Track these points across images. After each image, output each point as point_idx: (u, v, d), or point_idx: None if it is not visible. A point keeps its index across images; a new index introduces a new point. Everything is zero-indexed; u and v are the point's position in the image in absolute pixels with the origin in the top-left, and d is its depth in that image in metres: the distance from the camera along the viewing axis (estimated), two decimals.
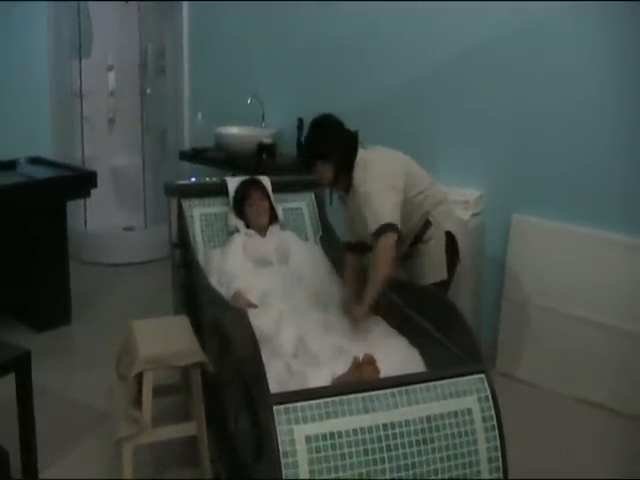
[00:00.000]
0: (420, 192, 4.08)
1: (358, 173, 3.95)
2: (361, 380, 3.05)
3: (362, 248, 4.19)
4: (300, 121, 6.09)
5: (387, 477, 2.65)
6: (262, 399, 2.73)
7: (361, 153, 4.02)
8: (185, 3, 7.45)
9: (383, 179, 3.89)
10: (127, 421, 3.65)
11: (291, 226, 4.86)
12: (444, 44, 5.37)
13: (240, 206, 4.73)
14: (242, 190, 4.77)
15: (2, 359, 3.69)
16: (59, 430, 4.29)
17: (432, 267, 4.14)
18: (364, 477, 2.62)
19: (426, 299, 3.53)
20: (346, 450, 2.63)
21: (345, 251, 4.35)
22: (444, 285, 4.18)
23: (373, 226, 3.80)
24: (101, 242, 7.34)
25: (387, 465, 2.66)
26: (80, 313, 5.90)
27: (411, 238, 4.14)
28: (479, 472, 2.77)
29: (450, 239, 4.16)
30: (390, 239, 3.77)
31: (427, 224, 4.11)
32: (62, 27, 7.10)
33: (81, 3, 7.18)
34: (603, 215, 4.72)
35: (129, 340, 3.82)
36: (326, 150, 3.99)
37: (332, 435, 2.63)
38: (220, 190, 4.86)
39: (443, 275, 4.15)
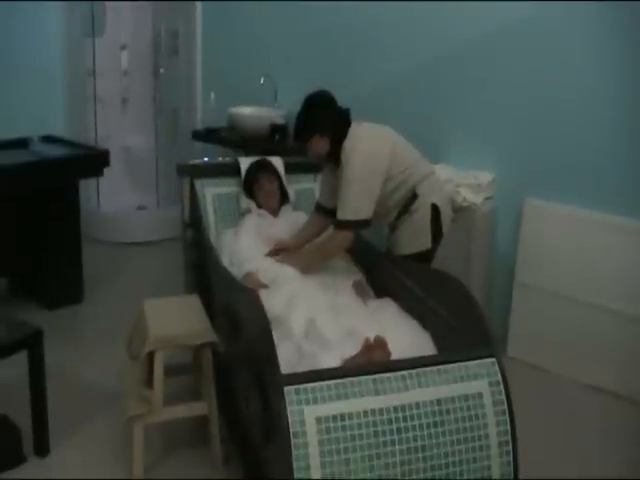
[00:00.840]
0: (406, 168, 4.17)
1: (347, 149, 4.05)
2: (372, 362, 3.06)
3: (331, 214, 4.29)
4: None
5: (397, 459, 2.66)
6: (273, 380, 2.74)
7: (352, 128, 4.13)
8: None
9: (367, 163, 4.01)
10: (138, 400, 3.67)
11: (303, 207, 4.86)
12: (458, 29, 5.35)
13: (250, 188, 4.75)
14: (251, 172, 4.80)
15: (14, 337, 3.71)
16: (70, 408, 4.31)
17: (416, 236, 4.24)
18: (374, 459, 2.63)
19: (438, 282, 3.53)
20: (356, 432, 2.64)
21: (316, 209, 4.50)
22: (428, 254, 4.28)
23: (340, 214, 4.05)
24: (114, 221, 7.35)
25: (397, 447, 2.66)
26: (92, 292, 5.92)
27: (396, 211, 4.24)
28: (489, 456, 2.78)
29: (435, 211, 4.23)
30: (348, 236, 4.11)
31: (414, 196, 4.20)
32: (76, 6, 7.08)
33: None
34: (616, 200, 4.70)
35: (140, 319, 3.83)
36: (324, 125, 4.10)
37: (342, 416, 2.64)
38: (232, 170, 4.88)
39: (427, 244, 4.24)
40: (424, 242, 4.24)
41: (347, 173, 3.99)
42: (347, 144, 4.06)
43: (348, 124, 4.14)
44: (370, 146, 4.06)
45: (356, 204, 4.00)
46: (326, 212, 4.40)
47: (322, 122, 4.11)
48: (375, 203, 4.04)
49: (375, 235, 4.64)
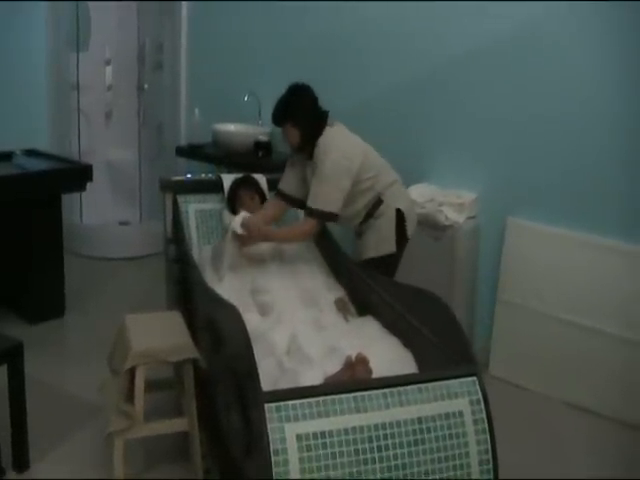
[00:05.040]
0: (374, 174, 4.36)
1: (321, 146, 4.23)
2: (353, 379, 3.06)
3: (292, 202, 4.59)
4: None
5: (377, 477, 2.65)
6: (254, 397, 2.73)
7: (328, 130, 4.29)
8: None
9: (340, 162, 4.19)
10: (119, 415, 3.66)
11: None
12: (442, 45, 5.38)
13: (232, 204, 4.76)
14: (233, 189, 4.82)
15: None
16: (51, 422, 4.29)
17: (381, 240, 4.41)
18: (354, 477, 2.63)
19: (420, 301, 3.53)
20: (337, 449, 2.63)
21: (276, 194, 4.64)
22: (393, 258, 4.45)
23: (311, 202, 4.22)
24: (96, 236, 7.32)
25: (378, 465, 2.66)
26: (74, 306, 5.90)
27: (362, 216, 4.42)
28: (470, 474, 2.78)
29: (400, 216, 4.40)
30: (314, 225, 4.29)
31: (378, 202, 4.38)
32: (60, 20, 7.10)
33: None
34: (598, 220, 4.73)
35: (122, 334, 3.82)
36: (297, 116, 4.28)
37: (323, 434, 2.63)
38: (215, 187, 4.89)
39: (392, 248, 4.42)
40: (389, 246, 4.41)
41: (321, 169, 4.17)
42: (322, 141, 4.24)
43: (323, 124, 4.30)
44: (344, 147, 4.25)
45: (327, 197, 4.18)
46: (286, 198, 4.58)
47: (297, 113, 4.29)
48: (343, 201, 4.22)
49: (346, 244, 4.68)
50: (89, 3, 7.32)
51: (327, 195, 4.18)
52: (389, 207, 4.39)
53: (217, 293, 3.85)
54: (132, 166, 7.66)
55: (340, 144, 4.25)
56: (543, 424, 4.67)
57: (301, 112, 4.30)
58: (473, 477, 2.79)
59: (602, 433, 4.60)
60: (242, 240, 4.34)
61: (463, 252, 5.11)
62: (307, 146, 4.32)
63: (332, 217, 4.24)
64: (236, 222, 4.37)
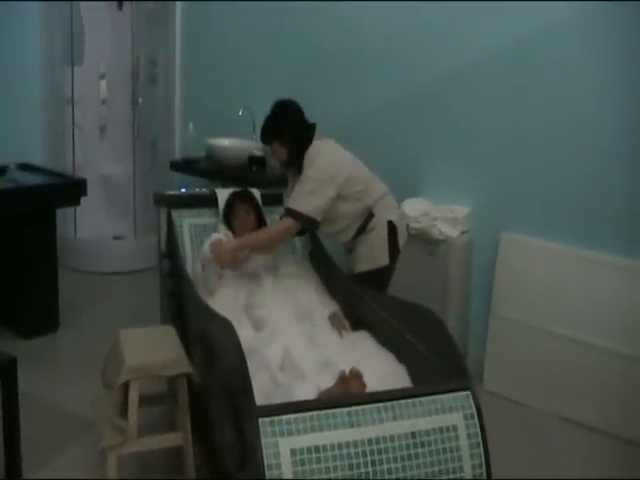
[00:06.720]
0: (362, 189, 4.38)
1: (307, 158, 4.28)
2: (347, 394, 3.06)
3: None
4: None
5: None
6: (248, 411, 2.73)
7: (315, 144, 4.33)
8: (178, 13, 7.48)
9: (327, 170, 4.24)
10: (112, 430, 3.65)
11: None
12: (436, 59, 5.40)
13: (228, 218, 4.76)
14: (229, 202, 4.81)
15: None
16: (44, 437, 4.28)
17: (374, 253, 4.44)
18: None
19: (414, 315, 3.53)
20: (331, 464, 2.63)
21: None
22: (386, 271, 4.48)
23: (290, 203, 4.29)
24: (90, 250, 7.31)
25: None
26: (68, 321, 5.89)
27: (354, 229, 4.43)
28: None
29: (391, 228, 4.44)
30: (291, 227, 4.30)
31: (370, 216, 4.41)
32: (55, 34, 7.09)
33: (74, 10, 7.15)
34: (592, 235, 4.73)
35: (115, 349, 3.81)
36: (284, 135, 4.35)
37: (317, 449, 2.63)
38: (210, 201, 4.89)
39: (385, 261, 4.45)
40: (382, 258, 4.43)
41: (306, 174, 4.24)
42: (310, 151, 4.30)
43: (309, 139, 4.35)
44: (331, 158, 4.31)
45: (308, 201, 4.20)
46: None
47: (283, 132, 4.35)
48: (323, 211, 4.25)
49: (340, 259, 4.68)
50: (83, 16, 7.32)
51: (308, 199, 4.20)
52: (380, 220, 4.41)
53: (211, 308, 3.86)
54: (126, 180, 7.64)
55: (327, 155, 4.29)
56: (538, 439, 4.66)
57: (288, 129, 4.35)
58: None
59: (599, 448, 4.59)
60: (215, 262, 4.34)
61: (457, 266, 5.11)
62: (295, 161, 4.36)
63: (311, 222, 4.26)
64: (206, 246, 4.40)
